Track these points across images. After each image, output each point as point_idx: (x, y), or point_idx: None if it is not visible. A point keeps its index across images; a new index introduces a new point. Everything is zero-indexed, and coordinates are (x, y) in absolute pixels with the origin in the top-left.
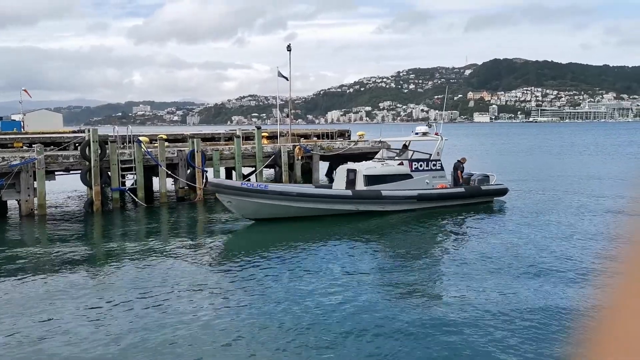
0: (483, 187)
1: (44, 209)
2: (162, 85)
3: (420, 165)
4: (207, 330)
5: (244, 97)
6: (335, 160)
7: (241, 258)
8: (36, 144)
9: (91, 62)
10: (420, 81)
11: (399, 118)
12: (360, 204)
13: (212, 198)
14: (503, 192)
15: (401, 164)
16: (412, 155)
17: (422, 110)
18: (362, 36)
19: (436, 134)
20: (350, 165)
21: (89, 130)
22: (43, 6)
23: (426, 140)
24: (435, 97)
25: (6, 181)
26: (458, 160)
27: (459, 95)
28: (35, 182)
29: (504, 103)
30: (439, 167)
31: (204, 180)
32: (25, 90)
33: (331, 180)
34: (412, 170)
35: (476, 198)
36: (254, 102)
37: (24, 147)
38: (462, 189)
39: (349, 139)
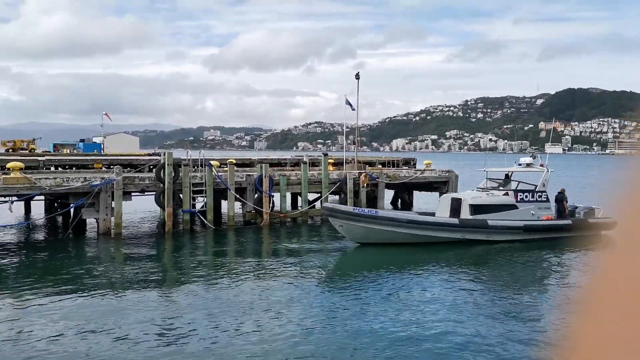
0: (590, 220)
1: (120, 228)
2: (232, 111)
3: (526, 196)
4: (273, 350)
5: (310, 124)
6: (401, 189)
7: (309, 281)
8: (115, 165)
9: (167, 89)
10: (489, 110)
11: (465, 147)
12: (466, 232)
13: (277, 222)
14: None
15: (506, 194)
16: (517, 186)
17: (491, 139)
18: (429, 65)
19: (541, 165)
20: (455, 194)
21: (164, 154)
22: (128, 36)
23: (530, 171)
24: (505, 126)
25: (87, 200)
26: (559, 192)
27: (530, 125)
28: (113, 202)
29: (577, 134)
30: (545, 199)
31: (271, 205)
32: (106, 114)
33: (396, 208)
34: (517, 201)
35: (583, 231)
36: (320, 128)
37: (103, 168)
38: (569, 221)
39: (414, 167)
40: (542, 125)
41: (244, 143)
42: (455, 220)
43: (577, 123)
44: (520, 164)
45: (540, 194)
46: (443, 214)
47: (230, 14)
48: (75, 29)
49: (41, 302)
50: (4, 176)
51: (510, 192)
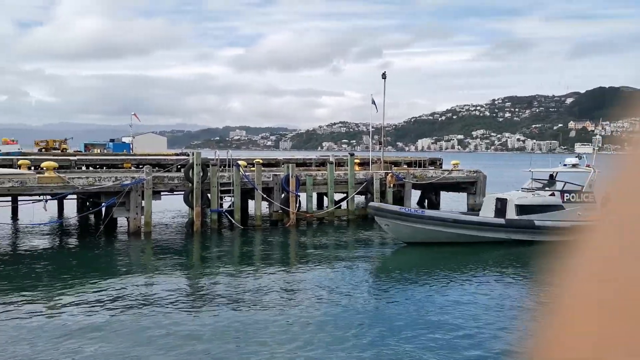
0: None
1: (149, 227)
2: (257, 111)
3: (572, 197)
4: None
5: (334, 124)
6: (428, 189)
7: (339, 282)
8: (144, 165)
9: (194, 89)
10: (517, 109)
11: (492, 147)
12: (512, 232)
13: (304, 222)
14: None
15: (552, 194)
16: (563, 187)
17: (519, 139)
18: (456, 64)
19: (587, 165)
20: (499, 194)
21: (192, 154)
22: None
23: (576, 172)
24: (533, 126)
25: (118, 199)
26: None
27: (559, 125)
28: (143, 201)
29: (609, 133)
30: (592, 200)
31: (297, 205)
32: (135, 115)
33: (423, 208)
34: (563, 202)
35: None
36: (345, 128)
37: (132, 168)
38: None
39: (441, 167)
40: (571, 124)
41: (269, 143)
42: (501, 221)
43: (608, 122)
44: (565, 165)
45: (587, 194)
46: (488, 214)
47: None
48: (106, 31)
49: (73, 299)
50: (38, 175)
51: (557, 193)
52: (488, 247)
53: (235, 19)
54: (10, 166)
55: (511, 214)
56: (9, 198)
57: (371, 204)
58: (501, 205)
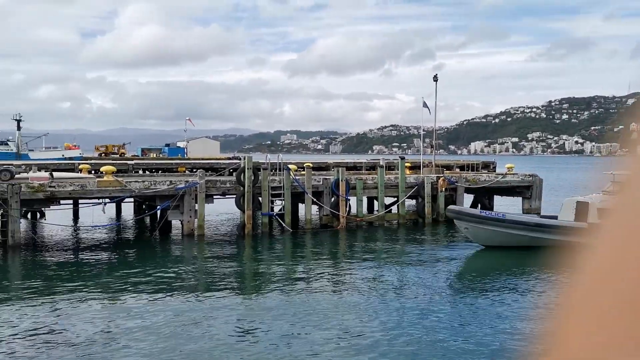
0: None
1: (202, 229)
2: (308, 115)
3: None
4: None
5: (385, 127)
6: (481, 193)
7: (394, 286)
8: (198, 169)
9: (247, 94)
10: (575, 111)
11: (549, 150)
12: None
13: (354, 226)
14: None
15: None
16: None
17: (577, 142)
18: (511, 65)
19: None
20: (580, 197)
21: (244, 158)
22: (212, 44)
23: None
24: (592, 127)
25: (172, 203)
26: None
27: (620, 127)
28: (196, 204)
29: None
30: None
31: (347, 208)
32: (189, 120)
33: None
34: None
35: None
36: (395, 131)
37: (187, 172)
38: None
39: (494, 171)
40: (633, 126)
41: (319, 146)
42: (583, 224)
43: None
44: None
45: None
46: (567, 217)
47: (307, 20)
48: (164, 39)
49: (130, 298)
50: (97, 179)
51: None
52: (567, 251)
53: (288, 24)
54: (73, 170)
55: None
56: (71, 201)
57: (450, 207)
58: (582, 209)
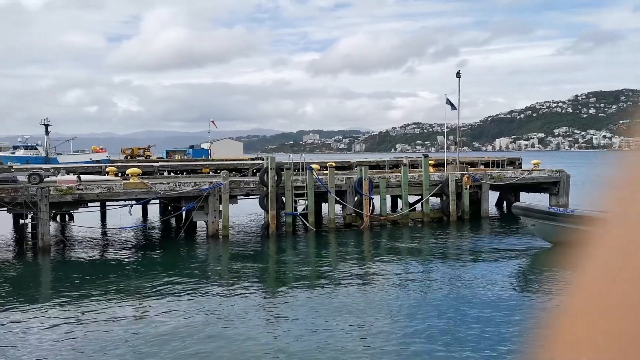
0: None
1: (227, 230)
2: (331, 114)
3: None
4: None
5: (408, 125)
6: (507, 190)
7: (421, 286)
8: (222, 170)
9: (269, 95)
10: (602, 105)
11: (576, 145)
12: None
13: (378, 225)
14: None
15: None
16: None
17: (604, 136)
18: (536, 60)
19: None
20: None
21: (267, 158)
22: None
23: None
24: (620, 122)
25: (197, 204)
26: None
27: None
28: (220, 205)
29: None
30: None
31: (371, 207)
32: (212, 122)
33: (501, 210)
34: None
35: None
36: (418, 129)
37: (211, 173)
38: None
39: (520, 167)
40: None
41: (341, 146)
42: None
43: None
44: None
45: None
46: None
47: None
48: (187, 42)
49: (158, 299)
50: (124, 182)
51: None
52: None
53: (310, 24)
54: (100, 173)
55: None
56: (98, 203)
57: (516, 203)
58: None
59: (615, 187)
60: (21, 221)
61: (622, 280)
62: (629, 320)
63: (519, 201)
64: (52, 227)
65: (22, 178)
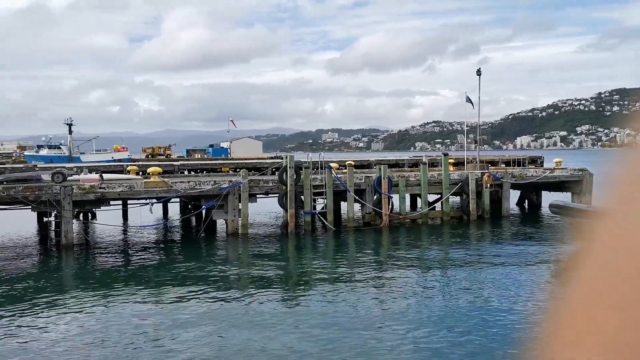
0: None
1: (246, 228)
2: (350, 113)
3: None
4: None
5: (427, 124)
6: (528, 189)
7: (440, 288)
8: (241, 169)
9: (289, 94)
10: (626, 102)
11: (599, 143)
12: None
13: (397, 224)
14: None
15: None
16: None
17: (629, 134)
18: (559, 57)
19: None
20: None
21: (286, 157)
22: (255, 45)
23: None
24: None
25: (216, 202)
26: None
27: None
28: (240, 203)
29: None
30: None
31: (390, 206)
32: (231, 121)
33: (522, 209)
34: None
35: None
36: (438, 128)
37: (230, 172)
38: None
39: (542, 165)
40: None
41: (361, 144)
42: None
43: None
44: None
45: None
46: None
47: (349, 18)
48: (208, 42)
49: (179, 297)
50: (144, 180)
51: None
52: None
53: (330, 23)
54: (121, 172)
55: None
56: (120, 202)
57: (553, 201)
58: None
59: (616, 185)
60: (45, 219)
61: (622, 279)
62: (629, 317)
63: (538, 200)
64: (75, 225)
65: (46, 177)
